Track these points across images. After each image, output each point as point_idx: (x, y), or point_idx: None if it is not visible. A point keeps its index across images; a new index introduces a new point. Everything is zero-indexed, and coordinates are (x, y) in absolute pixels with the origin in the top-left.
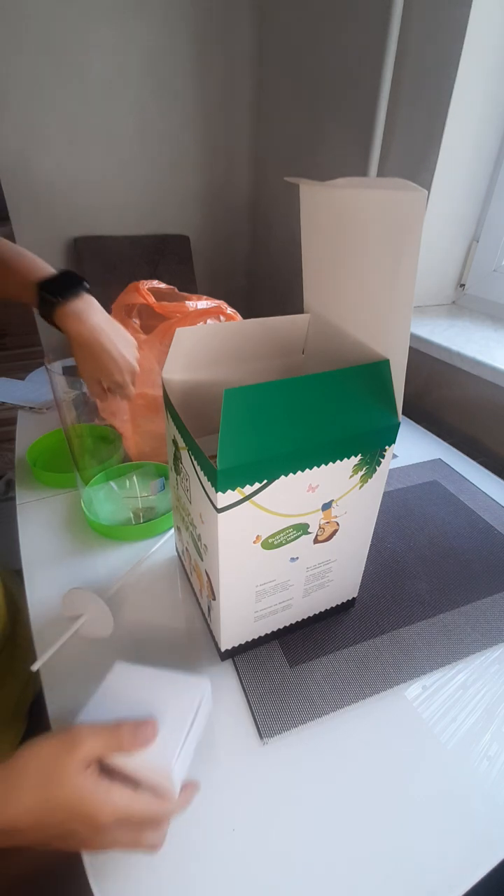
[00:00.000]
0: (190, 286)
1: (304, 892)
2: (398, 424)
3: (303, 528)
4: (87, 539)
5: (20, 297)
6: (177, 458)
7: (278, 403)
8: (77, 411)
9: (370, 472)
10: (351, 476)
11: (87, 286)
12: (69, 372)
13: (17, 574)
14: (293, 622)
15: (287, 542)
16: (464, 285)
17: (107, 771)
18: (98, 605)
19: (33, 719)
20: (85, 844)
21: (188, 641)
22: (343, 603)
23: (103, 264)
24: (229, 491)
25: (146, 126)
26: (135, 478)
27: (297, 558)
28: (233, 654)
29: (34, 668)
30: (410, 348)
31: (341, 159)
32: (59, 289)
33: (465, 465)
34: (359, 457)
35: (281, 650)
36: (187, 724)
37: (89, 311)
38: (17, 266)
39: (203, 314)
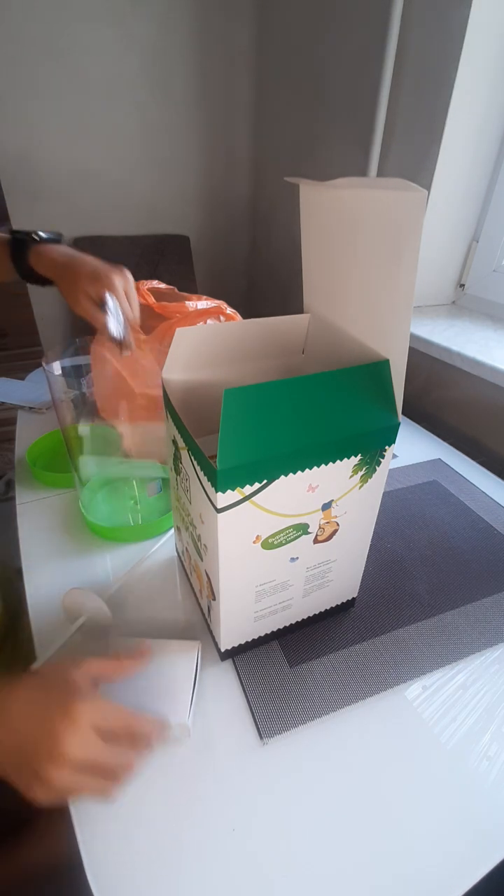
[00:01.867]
0: (190, 286)
1: (304, 892)
2: (398, 424)
3: (303, 528)
4: (87, 539)
5: None
6: (177, 458)
7: (278, 403)
8: (76, 411)
9: (370, 472)
10: (351, 476)
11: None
12: (68, 372)
13: (17, 573)
14: (293, 622)
15: (287, 542)
16: (463, 285)
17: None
18: (98, 605)
19: None
20: (59, 748)
21: None
22: (343, 603)
23: None
24: (229, 491)
25: (146, 126)
26: (133, 479)
27: (297, 558)
28: (233, 654)
29: (34, 668)
30: (410, 348)
31: (341, 159)
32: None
33: (465, 465)
34: (359, 457)
35: (281, 650)
36: (192, 679)
37: (66, 247)
38: None
39: (203, 314)
